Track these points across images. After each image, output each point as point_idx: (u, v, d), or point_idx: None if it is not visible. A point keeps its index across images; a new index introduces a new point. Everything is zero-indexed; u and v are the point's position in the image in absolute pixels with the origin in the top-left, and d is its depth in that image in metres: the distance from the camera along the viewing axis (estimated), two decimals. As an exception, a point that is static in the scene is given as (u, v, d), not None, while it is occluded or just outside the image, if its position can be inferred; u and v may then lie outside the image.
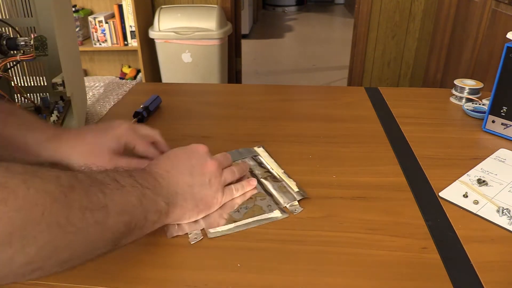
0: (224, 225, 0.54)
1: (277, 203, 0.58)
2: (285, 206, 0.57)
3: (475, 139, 0.77)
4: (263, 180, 0.63)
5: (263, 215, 0.56)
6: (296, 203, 0.58)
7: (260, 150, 0.72)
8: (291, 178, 0.63)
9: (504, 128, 0.77)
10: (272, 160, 0.69)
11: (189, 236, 0.53)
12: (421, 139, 0.77)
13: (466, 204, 0.59)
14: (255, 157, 0.70)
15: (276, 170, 0.66)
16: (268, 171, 0.65)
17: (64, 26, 0.68)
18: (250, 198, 0.59)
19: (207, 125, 0.84)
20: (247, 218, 0.55)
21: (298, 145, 0.76)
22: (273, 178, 0.63)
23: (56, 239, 0.37)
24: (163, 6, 2.53)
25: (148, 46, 2.64)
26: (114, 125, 0.61)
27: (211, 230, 0.53)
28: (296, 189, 0.61)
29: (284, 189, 0.61)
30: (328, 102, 0.95)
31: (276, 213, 0.56)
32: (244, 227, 0.54)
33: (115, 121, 0.62)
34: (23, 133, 0.58)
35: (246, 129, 0.82)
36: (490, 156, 0.71)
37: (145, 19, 2.59)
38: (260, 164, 0.67)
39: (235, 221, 0.55)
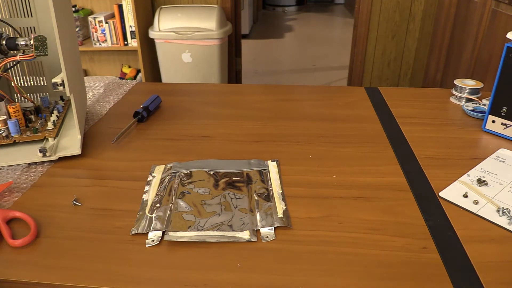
0: (187, 230, 0.54)
1: (253, 222, 0.55)
2: (259, 230, 0.54)
3: (475, 139, 0.77)
4: (255, 197, 0.60)
5: (230, 232, 0.54)
6: (272, 229, 0.54)
7: (272, 165, 0.69)
8: (284, 201, 0.60)
9: (504, 128, 0.77)
10: (278, 178, 0.65)
11: (148, 237, 0.53)
12: (421, 139, 0.77)
13: (466, 204, 0.59)
14: (263, 171, 0.67)
15: (274, 190, 0.62)
16: (266, 189, 0.62)
17: (64, 26, 0.68)
18: (230, 210, 0.57)
19: (207, 125, 0.84)
20: (212, 231, 0.54)
21: (298, 145, 0.76)
22: (266, 197, 0.60)
23: None
24: (163, 6, 2.53)
25: (148, 46, 2.64)
26: None
27: (171, 233, 0.53)
28: (280, 215, 0.57)
29: (269, 211, 0.57)
30: (328, 102, 0.95)
31: (245, 234, 0.53)
32: (206, 239, 0.52)
33: None
34: None
35: (246, 129, 0.82)
36: (490, 156, 0.71)
37: (145, 19, 2.59)
38: (263, 180, 0.64)
39: (198, 230, 0.54)
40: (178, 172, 0.66)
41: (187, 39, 2.43)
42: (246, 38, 4.76)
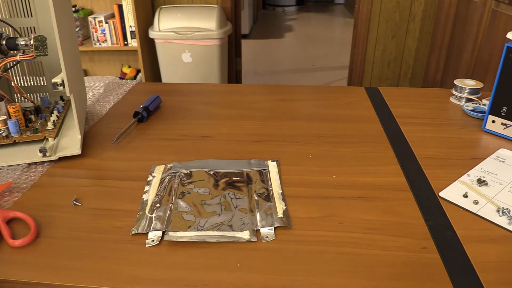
0: (187, 230, 0.53)
1: (253, 222, 0.55)
2: (259, 230, 0.54)
3: (475, 139, 0.77)
4: (255, 197, 0.60)
5: (230, 232, 0.54)
6: (272, 229, 0.54)
7: (272, 165, 0.69)
8: (284, 201, 0.60)
9: (504, 128, 0.77)
10: (278, 178, 0.65)
11: (148, 237, 0.53)
12: (421, 139, 0.77)
13: (466, 204, 0.59)
14: (263, 171, 0.67)
15: (274, 190, 0.62)
16: (266, 189, 0.62)
17: (64, 26, 0.68)
18: (230, 210, 0.57)
19: (207, 125, 0.84)
20: (212, 231, 0.54)
21: (298, 145, 0.76)
22: (266, 197, 0.60)
23: None
24: (163, 6, 2.53)
25: (148, 46, 2.64)
26: None
27: (171, 233, 0.53)
28: (280, 215, 0.57)
29: (269, 211, 0.57)
30: (328, 102, 0.95)
31: (245, 234, 0.53)
32: (206, 239, 0.52)
33: None
34: None
35: (246, 129, 0.82)
36: (490, 156, 0.71)
37: (145, 19, 2.59)
38: (263, 180, 0.64)
39: (198, 230, 0.54)
40: (178, 172, 0.66)
41: (187, 39, 2.43)
42: (246, 38, 4.76)
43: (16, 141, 0.73)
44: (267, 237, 0.53)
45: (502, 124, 0.77)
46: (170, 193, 0.61)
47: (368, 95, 0.98)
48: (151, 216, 0.57)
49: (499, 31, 1.66)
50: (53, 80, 0.66)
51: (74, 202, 0.60)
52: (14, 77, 0.87)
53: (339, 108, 0.91)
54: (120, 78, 2.77)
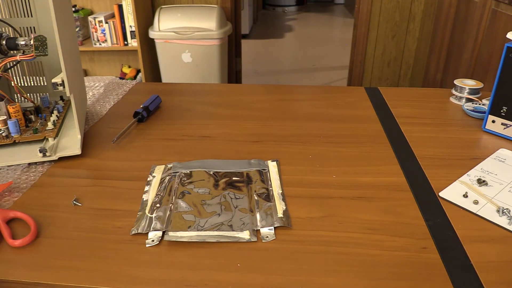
0: (187, 230, 0.54)
1: (253, 222, 0.55)
2: (259, 230, 0.54)
3: (475, 139, 0.77)
4: (255, 197, 0.60)
5: (230, 232, 0.54)
6: (272, 229, 0.54)
7: (272, 165, 0.69)
8: (284, 201, 0.60)
9: (504, 128, 0.77)
10: (278, 178, 0.65)
11: (148, 237, 0.53)
12: (421, 139, 0.77)
13: (466, 204, 0.59)
14: (263, 171, 0.67)
15: (274, 190, 0.62)
16: (266, 189, 0.62)
17: (64, 26, 0.68)
18: (230, 210, 0.57)
19: (207, 125, 0.84)
20: (212, 231, 0.54)
21: (298, 145, 0.76)
22: (266, 197, 0.60)
23: None
24: (163, 6, 2.53)
25: (148, 46, 2.64)
26: None
27: (171, 233, 0.53)
28: (280, 215, 0.57)
29: (269, 211, 0.57)
30: (328, 102, 0.95)
31: (245, 234, 0.53)
32: (206, 239, 0.52)
33: None
34: None
35: (246, 129, 0.82)
36: (490, 156, 0.71)
37: (145, 19, 2.59)
38: (263, 180, 0.64)
39: (198, 230, 0.54)
40: (178, 172, 0.66)
41: (187, 39, 2.43)
42: (246, 38, 4.75)
43: (16, 141, 0.73)
44: (267, 237, 0.53)
45: (502, 124, 0.77)
46: (170, 193, 0.61)
47: (368, 95, 0.99)
48: (151, 216, 0.57)
49: (499, 31, 1.66)
50: (53, 80, 0.66)
51: (74, 202, 0.60)
52: (14, 77, 0.87)
53: (339, 108, 0.91)
54: (120, 78, 2.77)
